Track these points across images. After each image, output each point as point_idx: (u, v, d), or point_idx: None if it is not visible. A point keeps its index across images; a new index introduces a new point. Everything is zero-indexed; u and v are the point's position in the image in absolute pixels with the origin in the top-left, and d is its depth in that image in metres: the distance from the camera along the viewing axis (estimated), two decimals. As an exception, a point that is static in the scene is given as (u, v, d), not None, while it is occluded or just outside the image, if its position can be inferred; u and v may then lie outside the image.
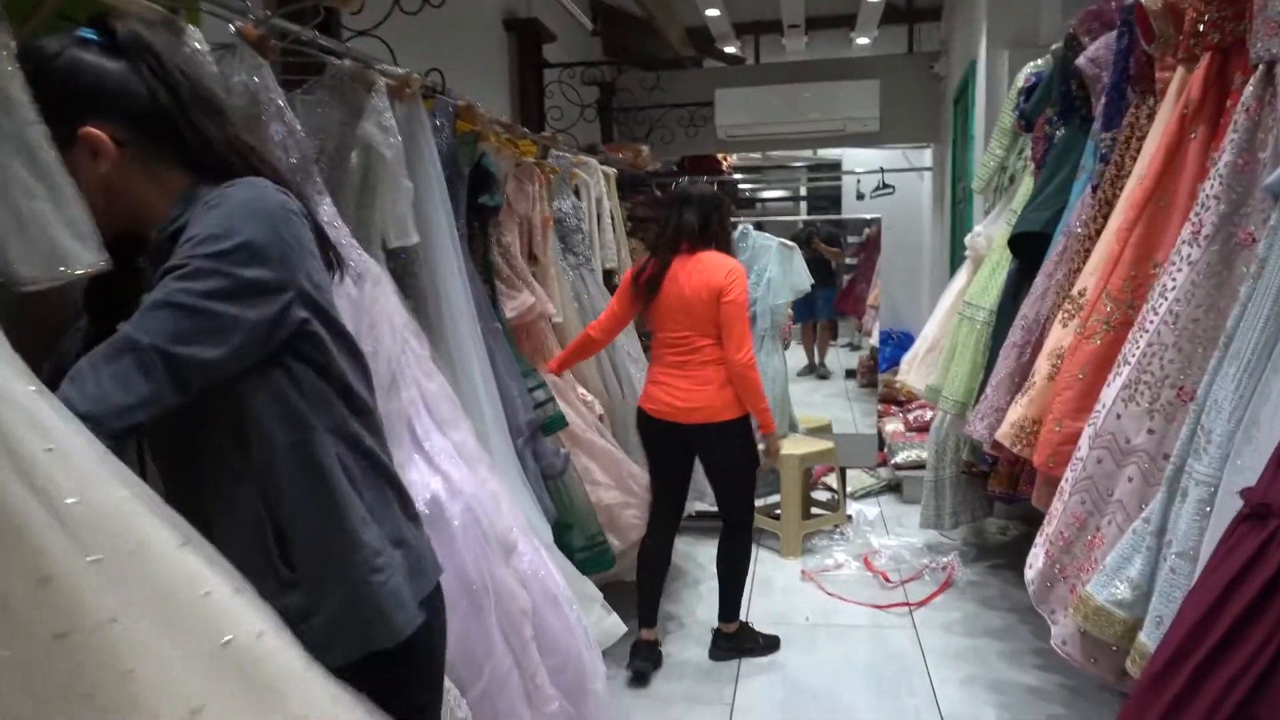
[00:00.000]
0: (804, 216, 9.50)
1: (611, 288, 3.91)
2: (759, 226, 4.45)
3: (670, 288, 2.76)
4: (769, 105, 6.26)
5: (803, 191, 9.97)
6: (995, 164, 3.42)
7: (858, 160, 7.28)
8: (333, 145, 2.09)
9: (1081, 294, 1.98)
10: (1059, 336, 2.00)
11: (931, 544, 3.86)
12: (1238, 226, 1.46)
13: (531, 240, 3.08)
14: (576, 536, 2.62)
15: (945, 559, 3.62)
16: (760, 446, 2.88)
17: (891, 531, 4.11)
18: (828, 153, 7.88)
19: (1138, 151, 2.07)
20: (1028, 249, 2.67)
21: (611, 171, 4.13)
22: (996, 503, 3.55)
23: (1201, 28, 1.78)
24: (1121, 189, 2.09)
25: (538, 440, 2.58)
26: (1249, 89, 1.47)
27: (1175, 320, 1.49)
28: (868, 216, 5.96)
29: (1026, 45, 4.06)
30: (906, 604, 3.28)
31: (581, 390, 3.10)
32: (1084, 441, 1.67)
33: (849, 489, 4.53)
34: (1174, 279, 1.51)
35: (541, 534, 2.31)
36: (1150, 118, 2.07)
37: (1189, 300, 1.48)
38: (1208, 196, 1.49)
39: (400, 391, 1.98)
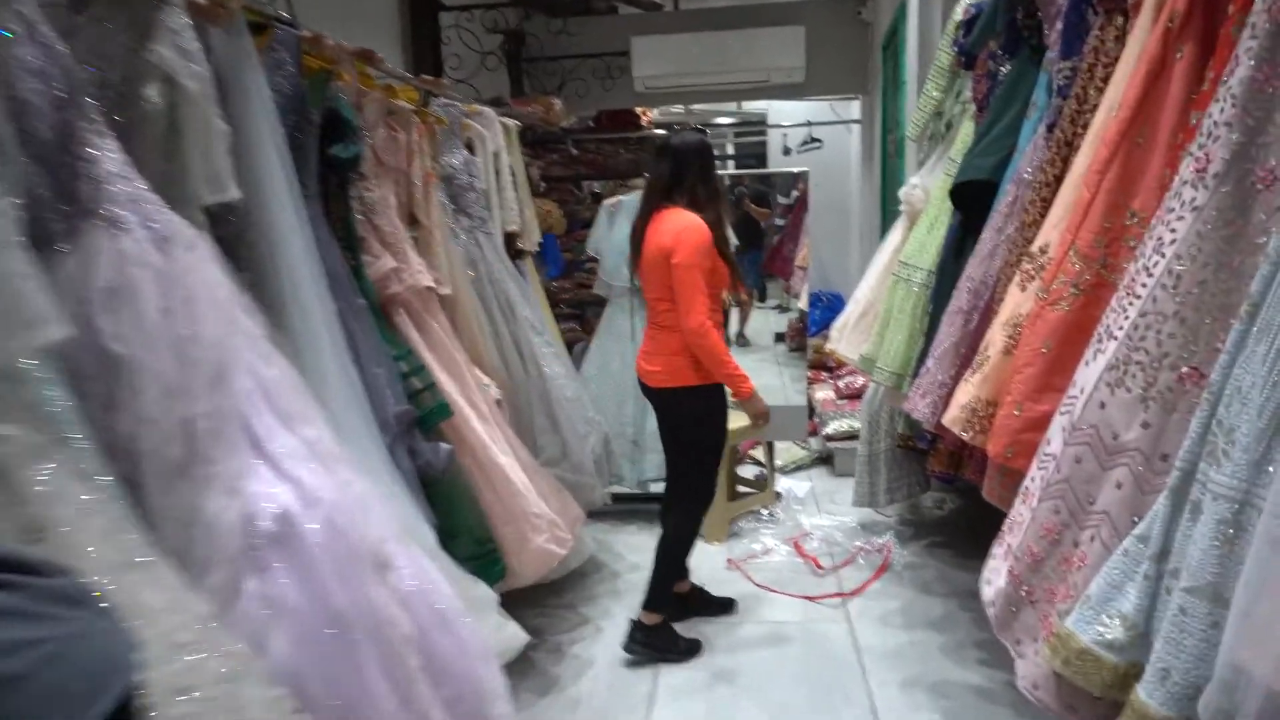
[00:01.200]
0: (731, 172, 9.17)
1: (514, 252, 3.52)
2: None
3: (645, 247, 2.67)
4: (690, 55, 5.86)
5: (729, 149, 9.63)
6: (931, 108, 3.10)
7: (783, 114, 6.94)
8: (118, 76, 1.64)
9: (1043, 251, 1.66)
10: (1017, 302, 1.69)
11: (866, 523, 3.60)
12: (1254, 162, 1.14)
13: (411, 200, 2.65)
14: (463, 545, 2.25)
15: (880, 540, 3.36)
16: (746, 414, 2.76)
17: (823, 509, 3.84)
18: (752, 107, 7.53)
19: (1105, 80, 1.75)
20: (972, 200, 2.36)
21: (513, 124, 3.70)
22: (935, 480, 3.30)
23: None
24: (1085, 125, 1.78)
25: (412, 436, 2.19)
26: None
27: (1176, 282, 1.17)
28: (795, 170, 5.64)
29: (961, -17, 3.75)
30: (840, 594, 3.00)
31: (475, 370, 2.71)
32: (1055, 433, 1.36)
33: (778, 463, 4.25)
34: (1172, 230, 1.19)
35: (422, 538, 1.94)
36: (1120, 39, 1.76)
37: (1193, 257, 1.16)
38: (1215, 124, 1.17)
39: (230, 383, 1.56)
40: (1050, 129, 1.99)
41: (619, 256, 3.74)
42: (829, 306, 6.24)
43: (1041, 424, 1.59)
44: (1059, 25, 2.06)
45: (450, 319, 2.74)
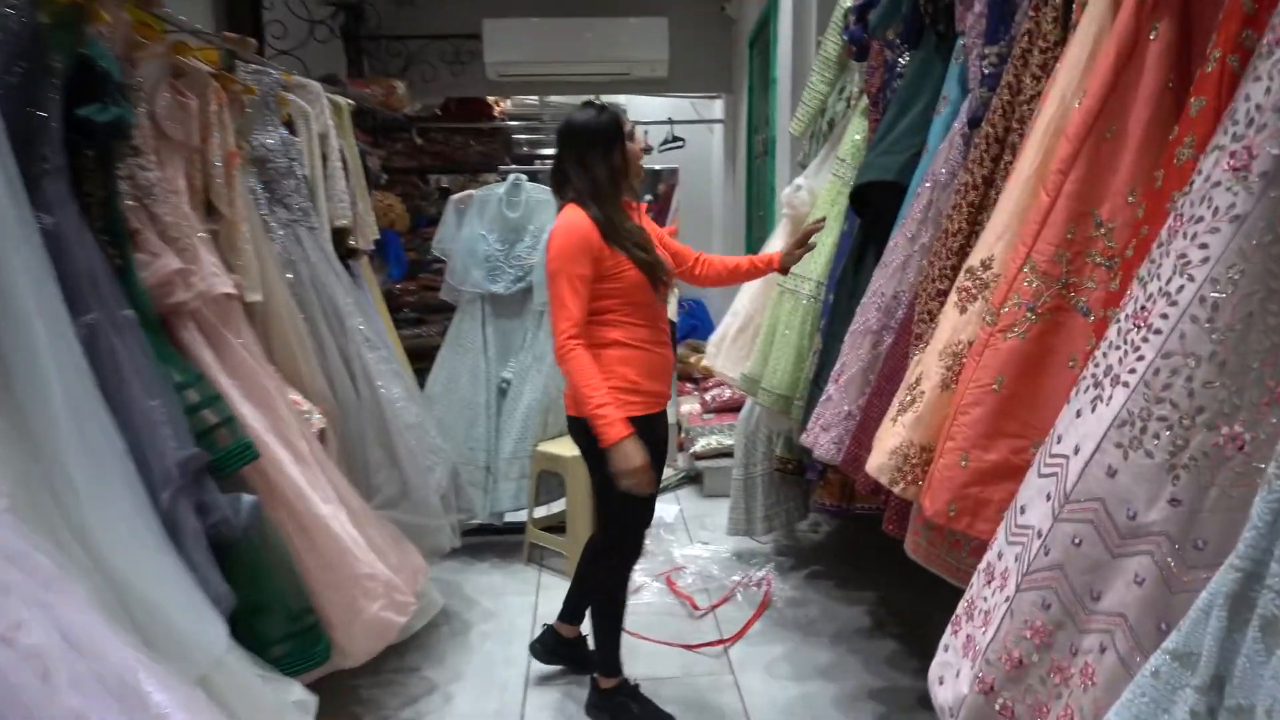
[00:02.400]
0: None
1: (346, 251, 3.02)
2: (535, 178, 3.71)
3: None
4: (546, 42, 5.46)
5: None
6: (818, 102, 2.85)
7: (644, 110, 6.64)
8: None
9: (986, 266, 1.39)
10: (955, 326, 1.41)
11: (742, 553, 3.33)
12: (1311, 156, 0.88)
13: (209, 185, 2.14)
14: (274, 622, 1.78)
15: (759, 573, 3.09)
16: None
17: (695, 537, 3.54)
18: (612, 101, 7.21)
19: (1043, 67, 1.51)
20: (875, 204, 2.10)
21: (345, 103, 3.19)
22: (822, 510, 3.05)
23: None
24: (1021, 119, 1.53)
25: (203, 487, 1.70)
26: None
27: (1212, 315, 0.90)
28: (657, 168, 5.35)
29: (837, -25, 3.55)
30: (721, 641, 2.69)
31: (294, 395, 2.22)
32: (1034, 499, 1.08)
33: (645, 484, 3.93)
34: (1203, 245, 0.92)
35: (199, 649, 1.46)
36: (1058, 21, 1.52)
37: (1235, 282, 0.89)
38: (1258, 109, 0.91)
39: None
40: (973, 124, 1.74)
41: (469, 258, 3.31)
42: (690, 313, 6.00)
43: (993, 476, 1.32)
44: (976, 7, 1.82)
45: (261, 333, 2.24)
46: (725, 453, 3.93)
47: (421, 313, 5.38)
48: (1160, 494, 0.92)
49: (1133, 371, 0.96)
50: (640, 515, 2.24)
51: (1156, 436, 0.93)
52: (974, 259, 1.42)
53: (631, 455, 1.97)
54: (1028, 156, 1.37)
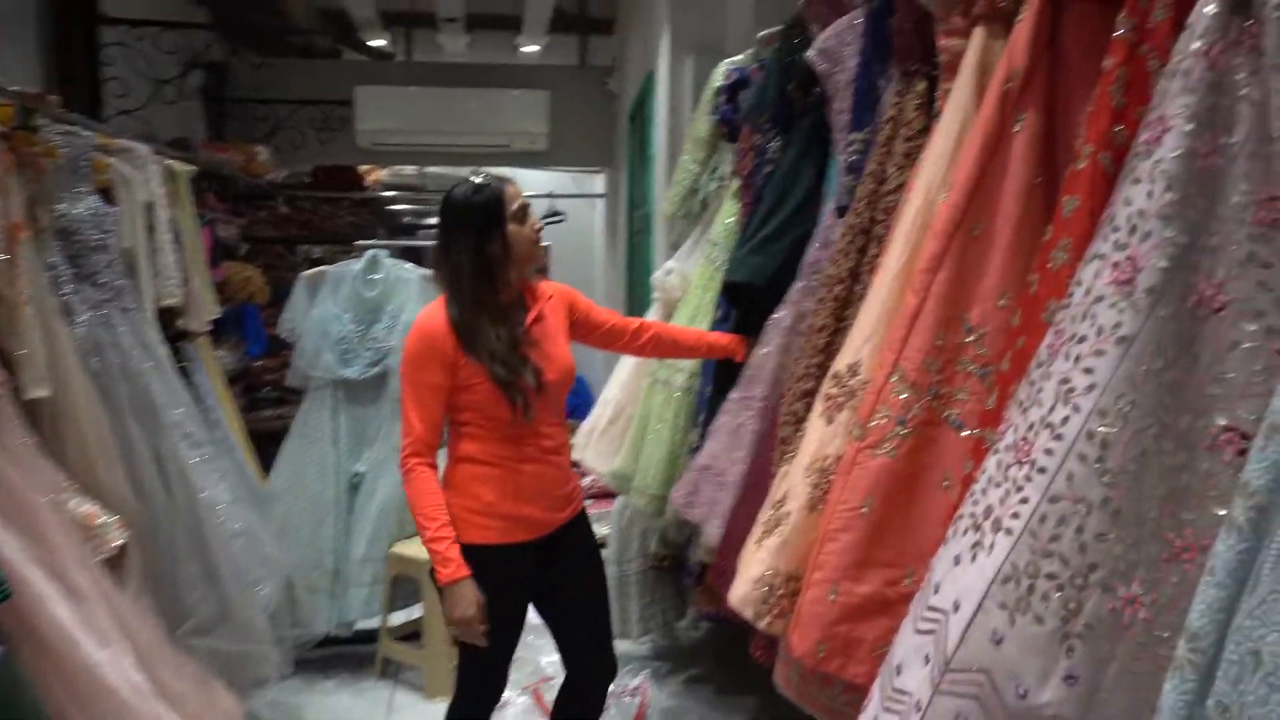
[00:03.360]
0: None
1: (177, 333, 2.72)
2: (407, 254, 3.48)
3: None
4: (423, 111, 5.30)
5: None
6: (689, 181, 2.75)
7: (524, 183, 6.53)
8: None
9: (852, 371, 1.26)
10: (822, 439, 1.26)
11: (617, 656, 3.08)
12: (1196, 272, 0.77)
13: (-13, 261, 1.84)
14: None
15: (634, 682, 2.86)
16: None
17: (570, 639, 3.27)
18: (501, 173, 7.08)
19: (907, 155, 1.42)
20: (749, 296, 1.97)
21: (183, 169, 2.92)
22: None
23: None
24: (886, 209, 1.43)
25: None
26: (1203, 22, 0.80)
27: (1102, 453, 0.77)
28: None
29: (713, 53, 3.52)
30: (592, 765, 2.43)
31: (89, 507, 1.90)
32: (912, 660, 0.91)
33: (518, 579, 3.66)
34: (1088, 370, 0.79)
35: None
36: (921, 108, 1.44)
37: (1125, 415, 0.76)
38: (1140, 214, 0.80)
39: None
40: (840, 213, 1.64)
41: (320, 339, 3.04)
42: (572, 392, 5.81)
43: (865, 612, 1.16)
44: (842, 100, 1.74)
45: (51, 434, 1.93)
46: (601, 543, 3.70)
47: (285, 392, 5.02)
48: (1054, 668, 0.77)
49: (1016, 516, 0.82)
50: (493, 651, 1.81)
51: (1046, 598, 0.78)
52: (840, 363, 1.28)
53: (458, 602, 1.69)
54: (894, 252, 1.26)
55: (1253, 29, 0.79)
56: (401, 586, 2.97)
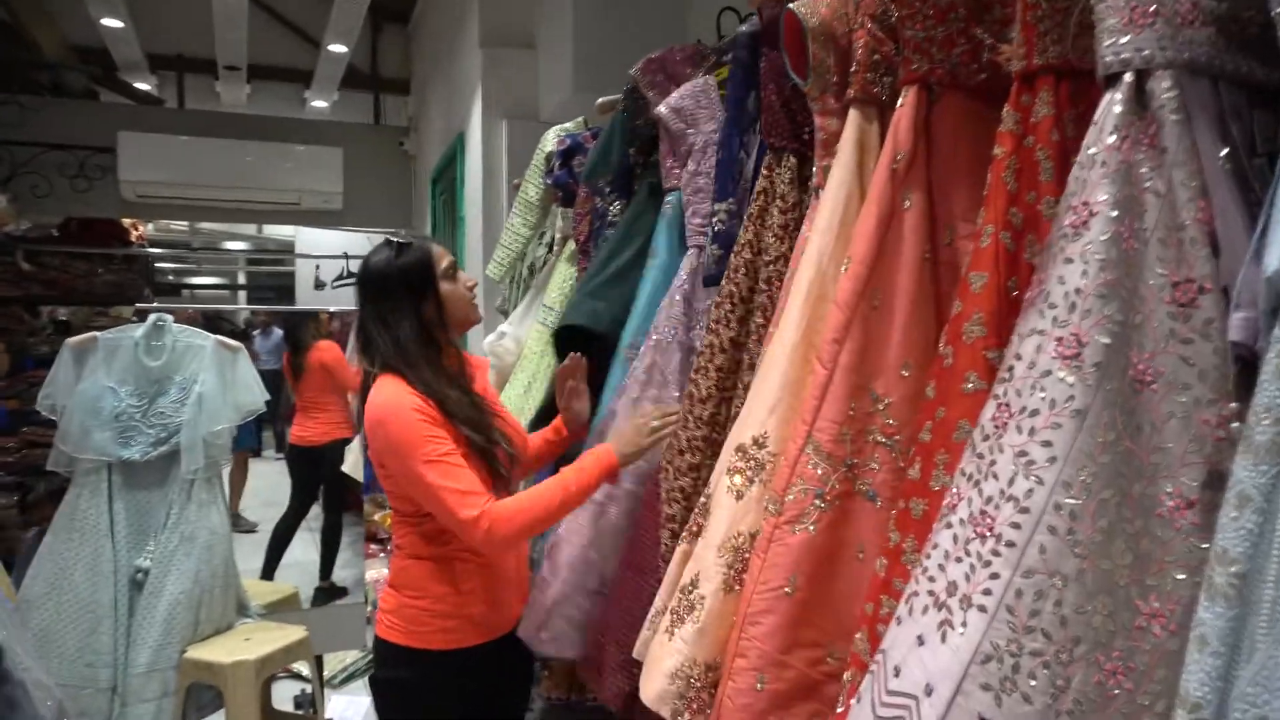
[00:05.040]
0: (245, 307, 7.98)
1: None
2: (196, 320, 3.11)
3: None
4: (198, 162, 4.88)
5: (241, 279, 8.44)
6: (519, 246, 2.69)
7: (314, 243, 6.16)
8: None
9: (759, 443, 1.23)
10: (733, 516, 1.22)
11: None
12: (1131, 346, 0.82)
13: None
14: None
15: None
16: None
17: (389, 737, 3.00)
18: (276, 231, 6.63)
19: (784, 227, 1.45)
20: (579, 349, 1.93)
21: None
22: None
23: (904, 53, 1.21)
24: (767, 279, 1.45)
25: None
26: (1112, 120, 0.86)
27: (1072, 526, 0.78)
28: (332, 309, 4.89)
29: (525, 117, 3.52)
30: None
31: None
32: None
33: (325, 673, 3.32)
34: (1046, 443, 0.81)
35: None
36: (793, 182, 1.47)
37: (1088, 487, 0.78)
38: (1078, 293, 0.83)
39: None
40: (709, 282, 1.64)
41: (90, 417, 2.63)
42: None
43: (792, 698, 1.12)
44: (691, 165, 1.77)
45: None
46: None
47: (25, 475, 4.34)
48: (1043, 748, 0.76)
49: (988, 593, 0.81)
50: None
51: (1033, 676, 0.77)
52: (742, 435, 1.26)
53: (632, 440, 1.56)
54: (790, 322, 1.26)
55: (1151, 129, 0.86)
56: (196, 696, 2.59)
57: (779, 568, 1.11)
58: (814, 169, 1.40)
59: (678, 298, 1.73)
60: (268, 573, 4.08)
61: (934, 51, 1.19)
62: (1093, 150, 0.88)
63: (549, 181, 2.49)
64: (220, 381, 2.82)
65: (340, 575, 4.32)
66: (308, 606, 3.54)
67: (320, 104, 5.45)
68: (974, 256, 1.05)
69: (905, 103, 1.21)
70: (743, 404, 1.34)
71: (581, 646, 1.67)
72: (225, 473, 2.93)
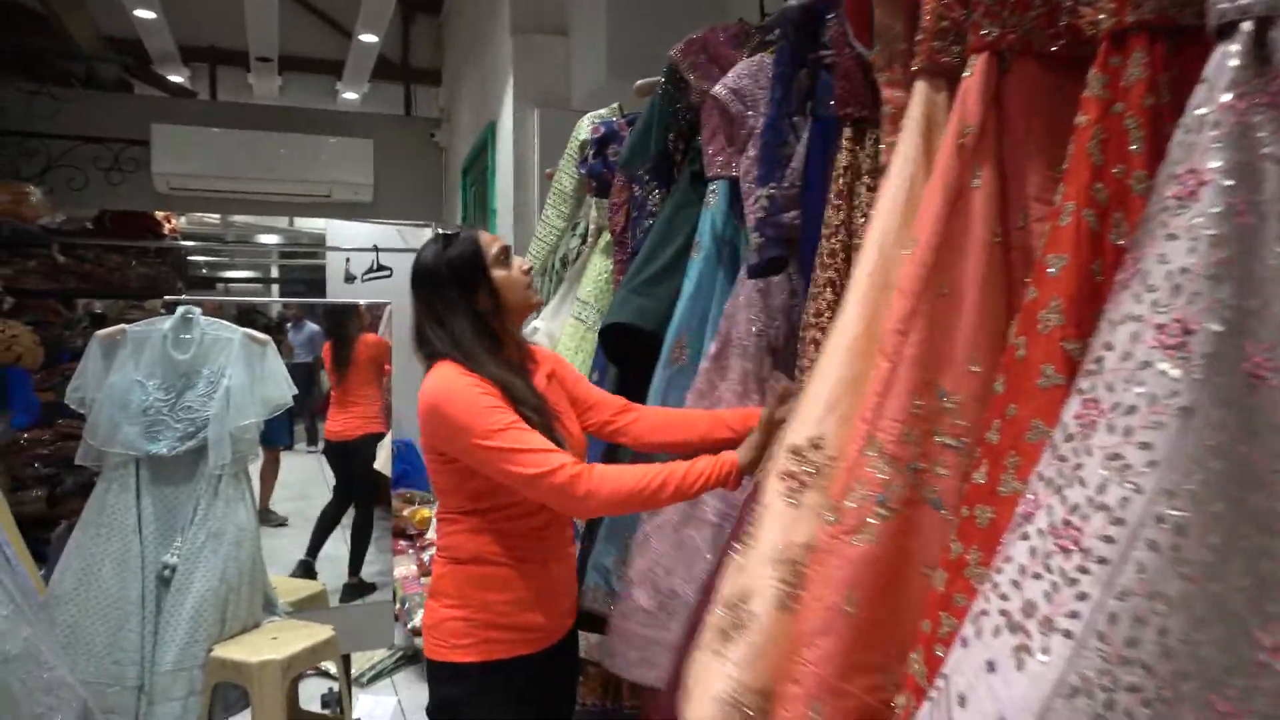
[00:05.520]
0: (279, 299, 7.99)
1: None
2: (221, 310, 3.07)
3: None
4: (230, 155, 4.87)
5: (274, 271, 8.47)
6: (554, 238, 2.62)
7: (344, 236, 6.12)
8: None
9: (816, 445, 1.14)
10: (785, 524, 1.13)
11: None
12: (1245, 336, 0.72)
13: None
14: None
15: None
16: None
17: (419, 738, 2.95)
18: (307, 224, 6.61)
19: (870, 206, 1.33)
20: (624, 348, 1.85)
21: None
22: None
23: (973, 17, 1.11)
24: (837, 266, 1.35)
25: None
26: (1227, 74, 0.76)
27: (1177, 541, 0.69)
28: (362, 302, 4.84)
29: (557, 105, 3.45)
30: None
31: None
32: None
33: (353, 671, 3.28)
34: (1144, 443, 0.72)
35: None
36: (874, 156, 1.37)
37: (1197, 497, 0.69)
38: (1177, 273, 0.74)
39: None
40: (753, 271, 1.55)
41: (119, 411, 2.60)
42: (401, 457, 5.43)
43: (850, 725, 1.02)
44: (751, 151, 1.67)
45: None
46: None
47: (58, 468, 4.36)
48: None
49: (1074, 616, 0.72)
50: None
51: (1130, 715, 0.68)
52: (797, 435, 1.16)
53: (749, 442, 1.43)
54: (851, 312, 1.17)
55: (1273, 86, 0.76)
56: (223, 695, 2.55)
57: (838, 583, 1.02)
58: (883, 148, 1.31)
59: (754, 296, 1.62)
60: (312, 552, 4.06)
61: (1006, 15, 1.09)
62: (1202, 110, 0.78)
63: (583, 171, 2.41)
64: (248, 375, 2.77)
65: (368, 571, 4.28)
66: (336, 603, 3.50)
67: (351, 95, 5.42)
68: (1051, 237, 0.95)
69: (974, 72, 1.11)
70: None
71: (666, 671, 1.57)
72: (254, 468, 2.89)
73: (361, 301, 4.71)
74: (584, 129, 2.46)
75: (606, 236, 2.33)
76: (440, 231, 1.61)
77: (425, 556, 3.97)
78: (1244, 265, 0.73)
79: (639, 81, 2.15)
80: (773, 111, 1.54)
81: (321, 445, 4.73)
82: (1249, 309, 0.73)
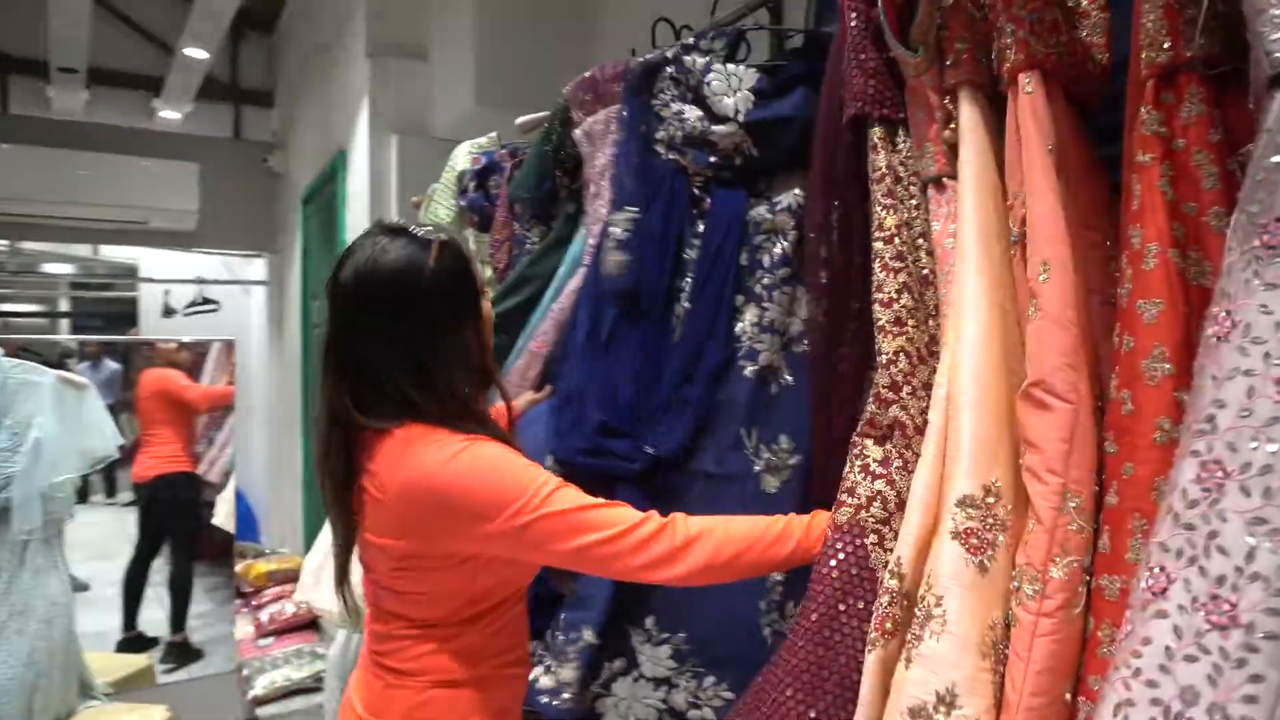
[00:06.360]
0: (69, 337, 7.17)
1: None
2: (23, 351, 2.66)
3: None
4: (22, 175, 4.33)
5: (63, 305, 7.58)
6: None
7: (159, 267, 5.59)
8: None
9: (994, 493, 0.90)
10: (981, 596, 0.92)
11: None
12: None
13: None
14: None
15: None
16: None
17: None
18: (115, 253, 5.99)
19: (920, 208, 1.18)
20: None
21: None
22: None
23: (1017, 34, 1.04)
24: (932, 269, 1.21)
25: None
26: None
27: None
28: (185, 339, 4.41)
29: (417, 133, 3.30)
30: None
31: None
32: None
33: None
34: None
35: None
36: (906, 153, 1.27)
37: None
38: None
39: None
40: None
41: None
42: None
43: None
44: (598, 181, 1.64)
45: None
46: (299, 689, 3.11)
47: None
48: None
49: (1252, 700, 0.63)
50: None
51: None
52: (965, 484, 0.97)
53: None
54: (975, 345, 0.96)
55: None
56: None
57: (1054, 674, 0.88)
58: (923, 153, 1.22)
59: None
60: (130, 622, 3.59)
61: (1046, 36, 1.06)
62: (1276, 159, 0.77)
63: (462, 203, 2.28)
64: (62, 425, 2.42)
65: (203, 635, 3.85)
66: (163, 676, 3.11)
67: (172, 115, 4.96)
68: (1137, 281, 0.91)
69: (1034, 89, 1.03)
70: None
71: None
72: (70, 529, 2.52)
73: (185, 338, 4.29)
74: (462, 158, 2.33)
75: (488, 272, 2.21)
76: (384, 222, 1.14)
77: (263, 616, 3.61)
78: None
79: (520, 119, 2.07)
80: (619, 151, 1.52)
81: (121, 496, 4.26)
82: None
